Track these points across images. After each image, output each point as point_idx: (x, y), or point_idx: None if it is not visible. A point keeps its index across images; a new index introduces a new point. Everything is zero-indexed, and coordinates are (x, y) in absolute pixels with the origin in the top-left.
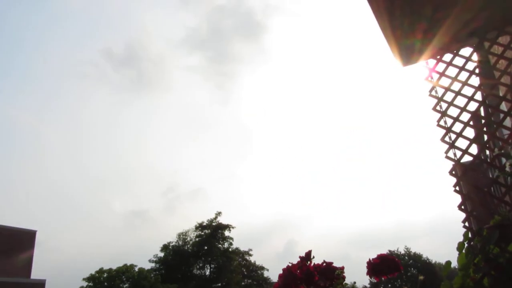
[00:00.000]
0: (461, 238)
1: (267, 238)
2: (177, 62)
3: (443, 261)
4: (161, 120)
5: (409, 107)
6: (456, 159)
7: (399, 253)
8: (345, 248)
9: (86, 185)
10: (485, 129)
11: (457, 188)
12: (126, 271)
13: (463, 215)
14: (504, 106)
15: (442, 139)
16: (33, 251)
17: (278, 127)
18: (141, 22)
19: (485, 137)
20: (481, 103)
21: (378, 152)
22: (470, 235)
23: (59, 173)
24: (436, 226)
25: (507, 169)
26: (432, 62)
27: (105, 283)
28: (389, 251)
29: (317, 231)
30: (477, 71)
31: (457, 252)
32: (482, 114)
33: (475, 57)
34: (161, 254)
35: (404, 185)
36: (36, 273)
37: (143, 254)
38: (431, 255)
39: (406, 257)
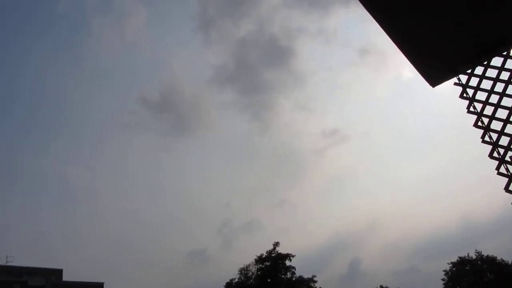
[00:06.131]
0: None
1: (328, 261)
2: (211, 100)
3: None
4: (204, 157)
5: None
6: (509, 174)
7: (470, 258)
8: (411, 259)
9: (143, 231)
10: None
11: None
12: None
13: None
14: None
15: (490, 155)
16: None
17: (323, 146)
18: (170, 67)
19: None
20: None
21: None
22: None
23: (115, 221)
24: (506, 221)
25: None
26: (464, 77)
27: None
28: (459, 258)
29: (380, 244)
30: None
31: None
32: None
33: (508, 65)
34: None
35: (465, 182)
36: None
37: None
38: (507, 256)
39: (479, 262)
